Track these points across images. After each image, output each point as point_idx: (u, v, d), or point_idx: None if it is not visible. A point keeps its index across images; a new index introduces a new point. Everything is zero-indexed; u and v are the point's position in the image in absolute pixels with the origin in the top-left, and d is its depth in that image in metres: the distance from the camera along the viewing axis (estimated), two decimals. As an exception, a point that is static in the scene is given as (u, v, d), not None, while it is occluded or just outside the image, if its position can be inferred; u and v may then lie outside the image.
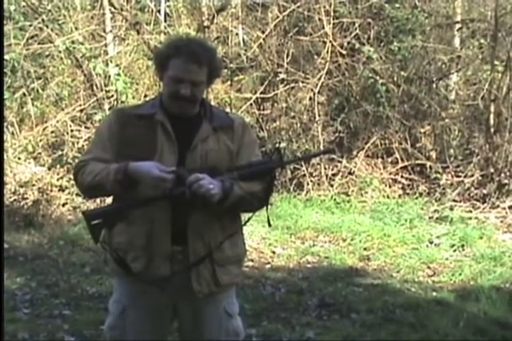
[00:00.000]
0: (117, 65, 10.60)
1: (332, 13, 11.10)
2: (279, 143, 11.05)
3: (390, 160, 11.08)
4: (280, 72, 11.44)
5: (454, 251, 8.19)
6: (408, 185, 10.81)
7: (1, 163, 6.19)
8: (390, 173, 10.90)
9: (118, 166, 3.04)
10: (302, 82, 11.34)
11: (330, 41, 11.11)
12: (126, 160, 3.06)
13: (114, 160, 3.13)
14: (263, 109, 11.78)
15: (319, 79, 11.13)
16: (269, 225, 3.41)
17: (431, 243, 8.44)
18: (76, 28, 10.59)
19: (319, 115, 11.19)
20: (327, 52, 11.13)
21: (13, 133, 10.06)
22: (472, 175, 10.23)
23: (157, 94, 3.41)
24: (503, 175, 10.07)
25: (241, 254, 3.36)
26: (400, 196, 10.57)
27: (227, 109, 10.33)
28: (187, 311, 3.26)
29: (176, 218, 3.09)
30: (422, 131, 11.23)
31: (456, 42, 11.93)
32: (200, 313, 3.25)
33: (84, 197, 3.27)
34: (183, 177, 3.00)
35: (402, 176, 10.89)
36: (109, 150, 3.18)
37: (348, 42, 11.31)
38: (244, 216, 3.32)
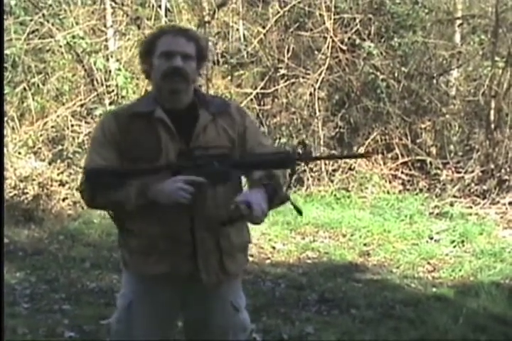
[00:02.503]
0: (118, 60, 10.61)
1: (333, 9, 11.09)
2: (279, 138, 11.05)
3: (390, 155, 11.09)
4: (281, 68, 11.45)
5: (454, 246, 8.19)
6: (408, 181, 10.82)
7: (1, 158, 6.19)
8: (390, 169, 10.91)
9: (138, 191, 3.00)
10: (303, 78, 11.34)
11: (330, 37, 11.10)
12: (133, 162, 3.06)
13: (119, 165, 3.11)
14: (263, 105, 11.77)
15: (320, 74, 11.13)
16: (300, 213, 3.16)
17: (431, 239, 8.45)
18: (77, 23, 10.59)
19: (320, 110, 11.19)
20: (328, 47, 11.13)
21: (13, 128, 10.08)
22: (472, 171, 10.23)
23: (150, 90, 3.35)
24: (503, 171, 10.08)
25: (246, 242, 3.35)
26: (400, 192, 10.57)
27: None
28: (194, 306, 3.26)
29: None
30: (423, 126, 11.24)
31: (457, 38, 11.93)
32: (207, 308, 3.25)
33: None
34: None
35: (402, 172, 10.90)
36: (112, 158, 3.13)
37: (349, 38, 11.31)
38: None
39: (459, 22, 11.92)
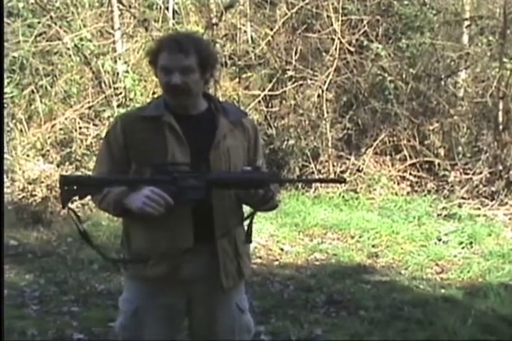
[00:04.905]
0: (125, 62, 10.62)
1: (340, 10, 11.10)
2: (288, 140, 11.08)
3: (398, 157, 11.09)
4: (288, 70, 11.45)
5: (463, 248, 8.18)
6: (416, 182, 10.81)
7: (1, 159, 6.18)
8: (399, 170, 10.90)
9: (114, 201, 3.01)
10: (310, 79, 11.34)
11: (338, 38, 11.11)
12: (141, 166, 3.06)
13: (127, 170, 3.12)
14: (271, 107, 11.79)
15: (327, 76, 11.13)
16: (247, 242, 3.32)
17: (439, 240, 8.43)
18: (84, 25, 10.60)
19: (327, 112, 11.19)
20: (335, 49, 11.13)
21: (21, 131, 10.10)
22: (480, 173, 10.22)
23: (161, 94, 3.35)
24: (511, 172, 10.06)
25: (249, 246, 3.38)
26: (408, 193, 10.56)
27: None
28: (200, 308, 3.25)
29: (198, 219, 3.07)
30: (431, 128, 11.23)
31: (465, 39, 11.91)
32: (213, 310, 3.25)
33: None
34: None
35: (410, 173, 10.89)
36: (112, 163, 3.15)
37: (357, 40, 11.32)
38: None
39: (466, 23, 11.90)
